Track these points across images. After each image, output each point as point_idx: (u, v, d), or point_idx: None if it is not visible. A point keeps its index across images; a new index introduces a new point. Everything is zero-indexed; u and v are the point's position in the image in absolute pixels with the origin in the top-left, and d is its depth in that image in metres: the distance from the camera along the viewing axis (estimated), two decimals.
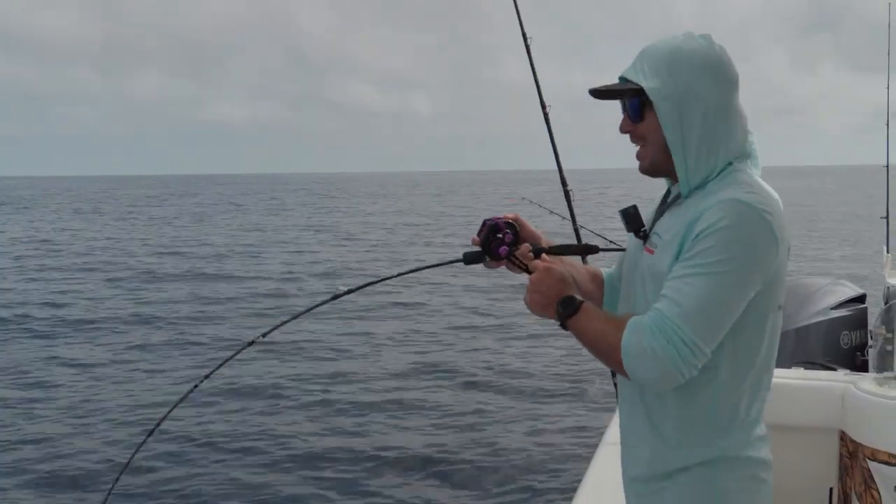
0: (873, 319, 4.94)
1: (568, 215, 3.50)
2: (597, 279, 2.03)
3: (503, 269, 1.89)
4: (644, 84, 1.71)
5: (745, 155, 1.79)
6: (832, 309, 5.24)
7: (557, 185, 3.54)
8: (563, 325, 1.72)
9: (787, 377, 4.24)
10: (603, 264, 2.17)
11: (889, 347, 4.35)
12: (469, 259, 1.89)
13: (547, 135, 3.41)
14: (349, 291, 2.20)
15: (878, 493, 3.65)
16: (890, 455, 3.60)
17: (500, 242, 1.85)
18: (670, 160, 1.75)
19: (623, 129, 1.80)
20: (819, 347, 5.08)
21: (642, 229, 1.83)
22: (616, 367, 1.64)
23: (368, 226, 34.94)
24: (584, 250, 1.97)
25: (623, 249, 1.94)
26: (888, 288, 4.63)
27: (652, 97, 1.70)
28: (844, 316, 5.23)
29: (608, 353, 1.65)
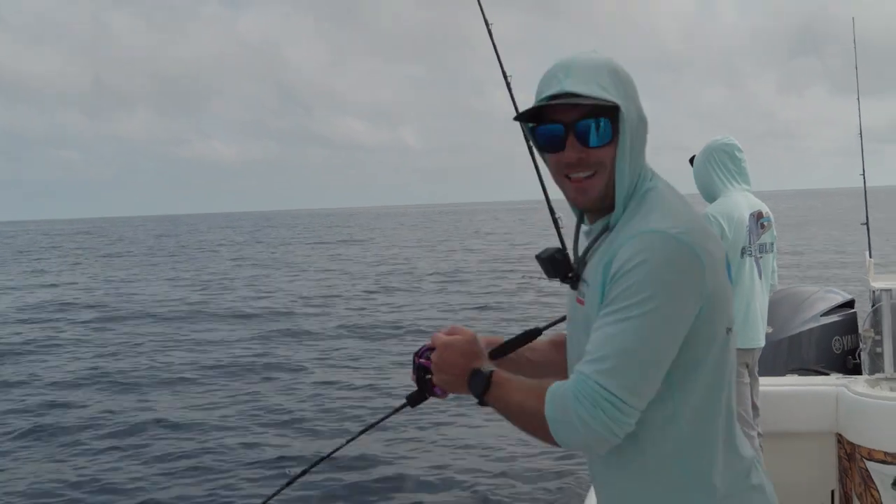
0: (862, 323, 5.06)
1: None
2: (560, 346, 1.83)
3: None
4: (615, 98, 1.52)
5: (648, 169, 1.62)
6: (822, 315, 5.37)
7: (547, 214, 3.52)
8: (481, 402, 1.57)
9: (782, 384, 4.36)
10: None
11: (879, 349, 4.46)
12: (413, 401, 1.81)
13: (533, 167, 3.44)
14: (303, 473, 2.03)
15: (878, 492, 3.74)
16: (886, 454, 3.71)
17: (432, 382, 1.72)
18: (613, 189, 1.58)
19: (571, 158, 1.55)
20: (812, 353, 5.20)
21: (570, 275, 1.66)
22: (544, 438, 1.48)
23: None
24: (527, 338, 1.84)
25: (563, 319, 1.77)
26: (874, 291, 4.76)
27: (626, 114, 1.53)
28: (835, 321, 5.36)
29: (532, 424, 1.49)
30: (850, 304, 5.56)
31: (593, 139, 1.53)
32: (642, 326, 1.40)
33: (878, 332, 4.47)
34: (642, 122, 1.58)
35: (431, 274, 27.00)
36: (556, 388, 1.46)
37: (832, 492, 4.16)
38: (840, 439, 4.08)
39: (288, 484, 2.05)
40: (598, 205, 1.60)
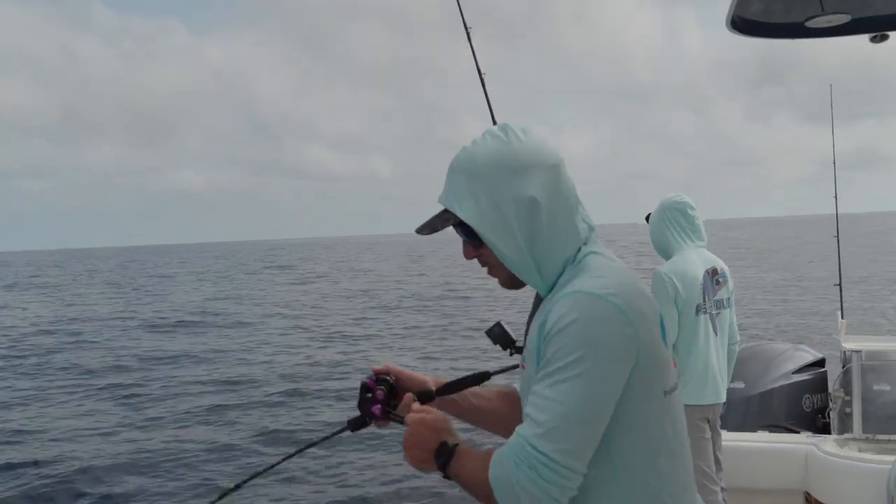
0: (833, 382, 5.11)
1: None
2: (508, 397, 1.86)
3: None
4: (460, 214, 1.58)
5: (588, 236, 1.63)
6: (794, 373, 5.41)
7: None
8: (446, 476, 1.56)
9: (752, 440, 4.38)
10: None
11: (848, 409, 4.51)
12: (354, 425, 1.81)
13: None
14: (236, 487, 2.03)
15: None
16: None
17: (372, 401, 1.76)
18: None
19: (468, 257, 1.66)
20: (782, 411, 5.23)
21: (513, 347, 1.72)
22: None
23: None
24: (475, 380, 1.83)
25: (516, 367, 1.80)
26: (844, 352, 4.82)
27: (471, 225, 1.57)
28: (805, 380, 5.40)
29: (484, 492, 1.47)
30: (820, 362, 5.61)
31: (473, 244, 1.62)
32: (576, 387, 1.40)
33: (848, 392, 4.52)
34: (518, 208, 1.55)
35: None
36: (499, 451, 1.46)
37: None
38: (808, 498, 4.09)
39: (220, 497, 2.02)
40: (517, 287, 1.65)
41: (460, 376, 1.83)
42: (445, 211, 1.62)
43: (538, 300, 1.66)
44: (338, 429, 1.88)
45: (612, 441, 1.47)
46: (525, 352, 1.61)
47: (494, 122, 3.41)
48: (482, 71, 3.44)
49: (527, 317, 1.74)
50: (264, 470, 2.11)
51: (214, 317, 25.80)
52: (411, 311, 25.72)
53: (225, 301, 31.60)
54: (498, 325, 1.76)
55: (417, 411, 1.64)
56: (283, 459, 2.07)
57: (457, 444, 1.56)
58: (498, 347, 1.89)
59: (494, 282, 1.67)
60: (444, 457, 1.54)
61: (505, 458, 1.43)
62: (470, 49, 3.44)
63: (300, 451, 2.05)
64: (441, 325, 21.60)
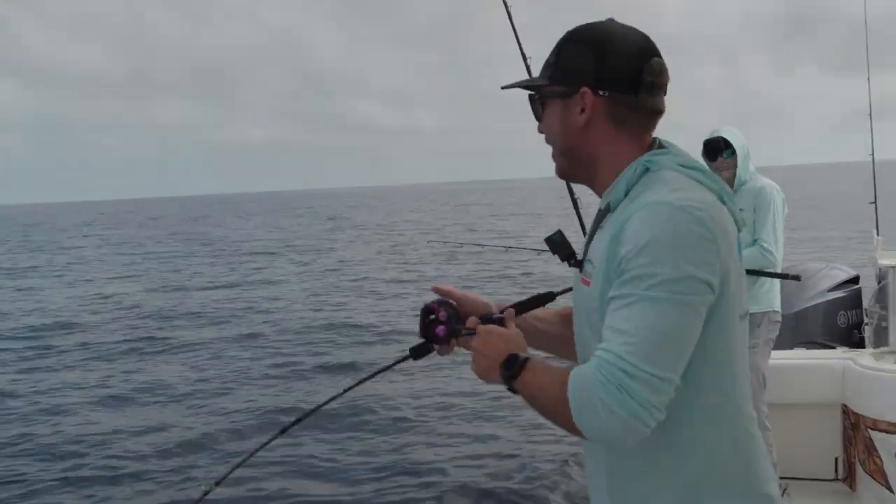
0: (868, 298, 5.21)
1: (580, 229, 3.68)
2: (568, 319, 1.73)
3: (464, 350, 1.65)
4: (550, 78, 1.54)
5: (659, 146, 1.53)
6: (829, 291, 5.51)
7: (561, 191, 3.70)
8: (511, 389, 1.48)
9: (790, 357, 4.51)
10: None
11: (884, 323, 4.61)
12: (416, 353, 1.72)
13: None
14: (297, 422, 2.03)
15: (881, 460, 3.91)
16: (889, 424, 3.87)
17: (435, 323, 1.67)
18: (586, 167, 1.55)
19: (542, 130, 1.60)
20: (818, 328, 5.34)
21: (573, 258, 1.60)
22: (570, 429, 1.36)
23: None
24: (539, 301, 1.77)
25: None
26: (880, 268, 4.90)
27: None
28: (841, 297, 5.50)
29: (556, 411, 1.38)
30: (855, 279, 5.70)
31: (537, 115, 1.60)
32: (664, 302, 1.30)
33: (884, 307, 4.62)
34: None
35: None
36: (579, 369, 1.37)
37: (836, 459, 4.33)
38: (845, 410, 4.24)
39: (282, 432, 2.02)
40: (573, 180, 1.62)
41: (522, 299, 1.75)
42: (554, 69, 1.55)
43: (601, 214, 1.54)
44: (399, 357, 1.79)
45: (686, 371, 1.35)
46: (588, 266, 1.51)
47: (530, 74, 3.52)
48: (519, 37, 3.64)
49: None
50: (324, 403, 2.08)
51: None
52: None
53: None
54: (559, 233, 1.64)
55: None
56: (345, 392, 2.01)
57: (528, 358, 1.48)
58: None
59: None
60: (512, 368, 1.47)
61: (589, 375, 1.32)
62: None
63: (360, 382, 1.99)
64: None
